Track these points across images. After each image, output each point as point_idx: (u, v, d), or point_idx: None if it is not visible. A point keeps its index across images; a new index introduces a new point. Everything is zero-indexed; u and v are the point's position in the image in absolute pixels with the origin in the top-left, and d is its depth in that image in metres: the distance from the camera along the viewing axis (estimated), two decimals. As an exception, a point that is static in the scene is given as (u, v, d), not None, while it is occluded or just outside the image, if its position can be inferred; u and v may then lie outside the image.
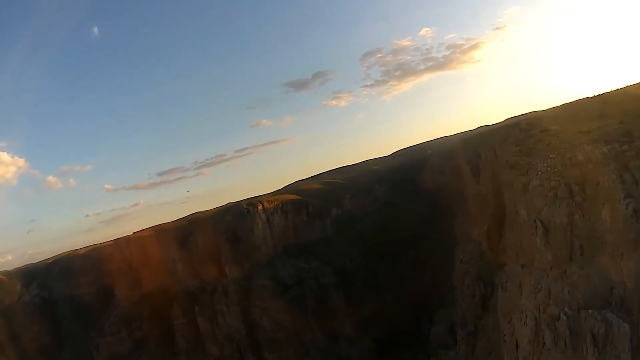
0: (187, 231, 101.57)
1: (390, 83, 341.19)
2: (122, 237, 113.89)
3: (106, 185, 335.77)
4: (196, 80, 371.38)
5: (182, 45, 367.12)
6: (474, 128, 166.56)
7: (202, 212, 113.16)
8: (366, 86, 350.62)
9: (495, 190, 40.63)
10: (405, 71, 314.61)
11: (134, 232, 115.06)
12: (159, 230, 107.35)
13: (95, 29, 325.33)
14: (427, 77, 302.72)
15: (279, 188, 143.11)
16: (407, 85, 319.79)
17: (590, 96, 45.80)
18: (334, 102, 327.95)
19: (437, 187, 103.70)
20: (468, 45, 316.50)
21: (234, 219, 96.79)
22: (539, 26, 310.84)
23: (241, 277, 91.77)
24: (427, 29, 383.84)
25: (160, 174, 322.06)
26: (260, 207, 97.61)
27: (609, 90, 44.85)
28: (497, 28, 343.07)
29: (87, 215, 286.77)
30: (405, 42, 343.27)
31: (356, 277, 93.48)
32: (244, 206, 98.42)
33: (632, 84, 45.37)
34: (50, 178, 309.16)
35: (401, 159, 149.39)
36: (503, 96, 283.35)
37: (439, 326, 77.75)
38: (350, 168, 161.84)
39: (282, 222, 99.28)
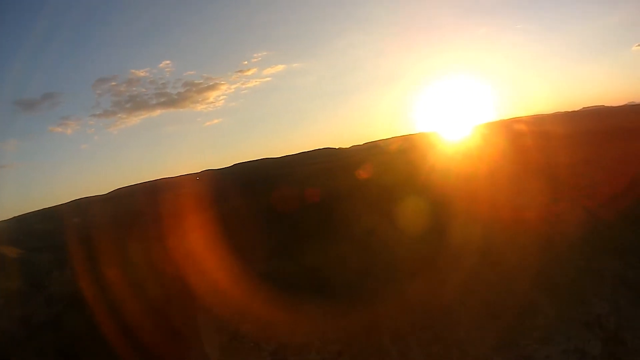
0: None
1: (119, 115, 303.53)
2: None
3: None
4: None
5: None
6: (200, 171, 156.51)
7: None
8: (95, 115, 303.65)
9: None
10: (136, 104, 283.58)
11: None
12: None
13: None
14: (158, 112, 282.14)
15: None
16: (136, 120, 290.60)
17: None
18: (60, 129, 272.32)
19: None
20: (205, 85, 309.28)
21: None
22: (284, 74, 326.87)
23: None
24: (168, 61, 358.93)
25: None
26: None
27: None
28: (239, 71, 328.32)
29: None
30: (142, 73, 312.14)
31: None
32: None
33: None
34: None
35: (117, 203, 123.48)
36: (231, 140, 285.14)
37: None
38: (60, 208, 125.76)
39: None
